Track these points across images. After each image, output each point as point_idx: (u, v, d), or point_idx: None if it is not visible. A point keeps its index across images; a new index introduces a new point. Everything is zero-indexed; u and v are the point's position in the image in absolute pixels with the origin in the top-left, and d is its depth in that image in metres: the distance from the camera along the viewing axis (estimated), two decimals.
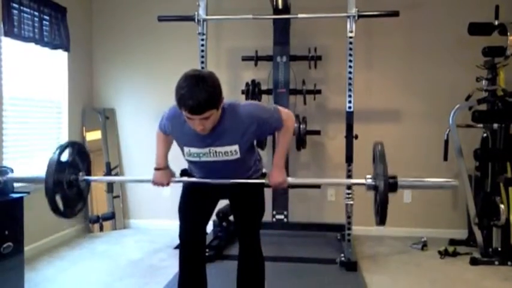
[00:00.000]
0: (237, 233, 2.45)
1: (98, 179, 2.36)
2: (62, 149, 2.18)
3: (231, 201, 2.44)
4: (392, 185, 1.92)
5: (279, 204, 4.33)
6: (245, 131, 2.06)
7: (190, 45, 4.37)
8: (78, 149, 2.30)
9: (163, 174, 2.25)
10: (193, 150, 2.11)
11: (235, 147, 2.08)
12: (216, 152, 2.09)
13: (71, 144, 2.23)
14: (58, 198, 2.19)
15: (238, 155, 2.10)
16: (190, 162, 2.24)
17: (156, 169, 2.26)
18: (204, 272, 2.39)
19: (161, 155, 2.26)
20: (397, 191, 1.99)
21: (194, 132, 2.02)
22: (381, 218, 1.92)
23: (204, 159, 2.13)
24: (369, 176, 2.05)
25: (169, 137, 2.27)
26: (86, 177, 2.32)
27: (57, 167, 2.11)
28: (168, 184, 2.26)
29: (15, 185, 3.09)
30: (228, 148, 2.08)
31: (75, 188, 2.27)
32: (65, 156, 2.25)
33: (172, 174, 2.29)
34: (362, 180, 2.08)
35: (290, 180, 2.20)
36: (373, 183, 2.01)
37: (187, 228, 2.34)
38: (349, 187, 3.88)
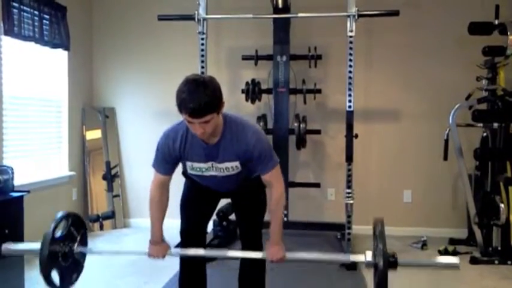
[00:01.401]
0: (239, 232, 2.45)
1: (94, 252, 2.34)
2: (57, 222, 2.17)
3: (233, 200, 2.45)
4: (392, 263, 1.94)
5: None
6: (245, 152, 2.06)
7: (190, 44, 4.37)
8: (73, 220, 2.28)
9: (159, 248, 2.23)
10: (196, 165, 2.13)
11: (236, 163, 2.10)
12: (218, 167, 2.11)
13: (65, 217, 2.22)
14: (54, 272, 2.19)
15: (239, 169, 2.12)
16: (193, 175, 2.25)
17: (152, 243, 2.24)
18: (204, 271, 2.40)
19: (156, 225, 2.23)
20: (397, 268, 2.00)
21: (196, 147, 2.05)
22: None
23: (206, 173, 2.15)
24: (369, 253, 2.07)
25: (163, 200, 2.22)
26: (81, 249, 2.30)
27: (51, 242, 2.11)
28: (163, 257, 2.25)
29: (15, 183, 3.10)
30: (229, 164, 2.10)
31: (71, 259, 2.26)
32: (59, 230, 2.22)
33: (168, 247, 2.27)
34: (361, 258, 2.10)
35: (288, 255, 2.19)
36: (373, 261, 2.03)
37: (188, 226, 2.35)
38: (349, 186, 3.88)
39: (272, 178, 2.13)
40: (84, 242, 2.34)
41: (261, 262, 2.40)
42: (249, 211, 2.37)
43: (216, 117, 1.92)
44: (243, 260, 2.41)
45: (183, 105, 1.85)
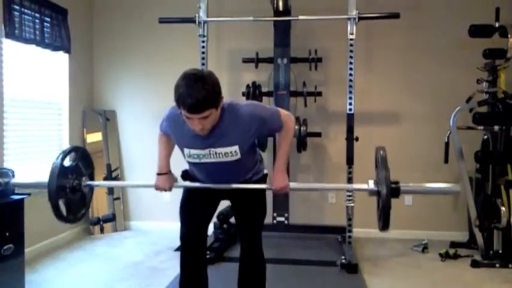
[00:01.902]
0: (238, 235, 2.44)
1: (101, 184, 2.34)
2: (65, 153, 2.17)
3: (233, 203, 2.44)
4: (394, 191, 1.93)
5: (280, 206, 4.33)
6: (245, 131, 2.05)
7: (191, 47, 4.38)
8: (82, 154, 2.29)
9: (166, 179, 2.24)
10: (193, 151, 2.10)
11: (235, 147, 2.07)
12: (216, 153, 2.08)
13: (74, 149, 2.22)
14: (61, 204, 2.18)
15: (238, 156, 2.09)
16: (191, 163, 2.24)
17: (159, 174, 2.25)
18: (205, 274, 2.39)
19: (163, 160, 2.25)
20: (399, 196, 1.99)
21: (193, 133, 2.01)
22: (384, 223, 1.93)
23: (204, 160, 2.12)
24: (371, 181, 2.06)
25: (171, 140, 2.25)
26: (89, 183, 2.31)
27: (60, 172, 2.10)
28: (170, 189, 2.26)
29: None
30: (228, 149, 2.07)
31: (79, 193, 2.26)
32: (68, 161, 2.24)
33: (175, 179, 2.28)
34: (364, 186, 2.09)
35: (292, 185, 2.19)
36: (376, 188, 2.02)
37: (188, 230, 2.33)
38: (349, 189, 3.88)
39: (285, 123, 2.14)
40: (91, 177, 2.35)
41: (260, 266, 2.39)
42: (249, 214, 2.36)
43: (214, 113, 1.91)
44: (242, 264, 2.40)
45: (181, 100, 1.84)
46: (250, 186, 2.24)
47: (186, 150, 2.13)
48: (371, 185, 2.05)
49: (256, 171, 2.32)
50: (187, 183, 2.31)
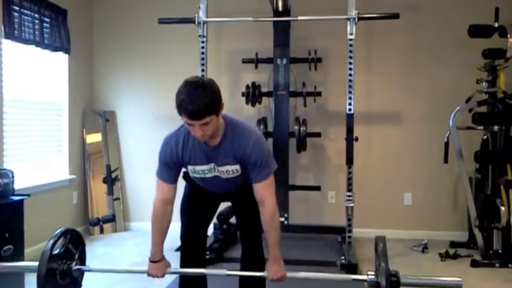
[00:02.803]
0: (240, 235, 2.45)
1: (92, 270, 2.32)
2: (55, 239, 2.15)
3: (233, 204, 2.44)
4: (394, 283, 1.94)
5: (279, 207, 4.27)
6: (243, 156, 2.05)
7: (191, 47, 4.37)
8: (71, 237, 2.27)
9: (159, 267, 2.21)
10: (198, 167, 2.12)
11: (236, 166, 2.09)
12: (219, 170, 2.11)
13: (64, 233, 2.21)
14: None
15: (239, 173, 2.12)
16: (195, 178, 2.25)
17: (152, 261, 2.22)
18: (204, 276, 2.39)
19: (157, 246, 2.21)
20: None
21: (197, 150, 2.05)
22: None
23: (208, 175, 2.14)
24: (371, 273, 2.07)
25: (167, 216, 2.18)
26: (80, 267, 2.28)
27: (49, 259, 2.09)
28: (163, 276, 2.23)
29: (16, 187, 3.10)
30: (229, 167, 2.10)
31: (69, 277, 2.24)
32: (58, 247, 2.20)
33: (168, 265, 2.25)
34: (364, 277, 2.10)
35: (289, 274, 2.17)
36: (375, 279, 2.03)
37: (188, 230, 2.34)
38: (349, 189, 3.88)
39: (264, 189, 2.07)
40: (82, 259, 2.32)
41: (261, 266, 2.39)
42: (250, 215, 2.36)
43: (215, 119, 1.92)
44: (243, 264, 2.40)
45: (182, 107, 1.85)
46: (246, 274, 2.27)
47: (191, 167, 2.14)
48: (370, 275, 2.06)
49: None
50: (180, 270, 2.30)
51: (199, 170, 2.13)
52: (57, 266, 2.14)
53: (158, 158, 2.13)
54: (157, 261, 2.20)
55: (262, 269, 2.40)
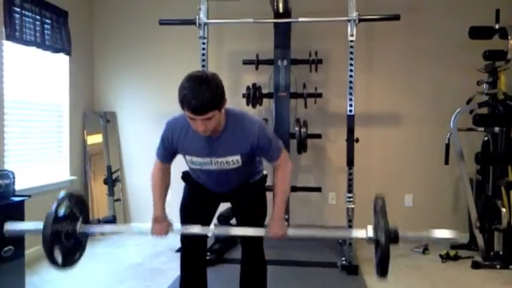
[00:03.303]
0: (240, 236, 2.45)
1: (96, 230, 2.31)
2: (59, 202, 2.17)
3: (233, 205, 2.44)
4: (393, 238, 1.96)
5: None
6: (248, 144, 2.07)
7: (192, 48, 4.38)
8: (76, 200, 2.28)
9: (162, 226, 2.22)
10: (196, 159, 2.13)
11: (237, 157, 2.09)
12: (218, 161, 2.11)
13: (68, 196, 2.22)
14: (56, 250, 2.18)
15: (239, 164, 2.12)
16: (192, 169, 2.25)
17: (155, 221, 2.23)
18: (205, 275, 2.40)
19: (158, 207, 2.23)
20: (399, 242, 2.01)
21: (196, 141, 2.05)
22: (382, 270, 1.93)
23: (206, 167, 2.14)
24: (370, 228, 2.08)
25: (165, 180, 2.23)
26: (84, 229, 2.29)
27: (54, 221, 2.10)
28: (166, 235, 2.24)
29: (16, 188, 3.10)
30: (229, 158, 2.10)
31: (73, 239, 2.26)
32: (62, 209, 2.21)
33: (170, 225, 2.26)
34: (363, 234, 2.10)
35: (290, 232, 2.17)
36: (374, 236, 2.03)
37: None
38: (350, 190, 3.88)
39: (281, 162, 2.16)
40: (86, 222, 2.32)
41: (262, 267, 2.40)
42: (249, 216, 2.36)
43: (218, 114, 1.93)
44: (244, 265, 2.41)
45: (185, 101, 1.85)
46: (247, 231, 2.25)
47: (188, 157, 2.15)
48: (370, 232, 2.07)
49: (255, 172, 2.33)
50: (182, 230, 2.29)
51: (196, 162, 2.13)
52: (61, 227, 2.15)
53: (160, 138, 2.17)
54: (160, 221, 2.22)
55: (263, 271, 2.40)
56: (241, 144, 2.07)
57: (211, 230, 2.21)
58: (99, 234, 4.74)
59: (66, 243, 2.19)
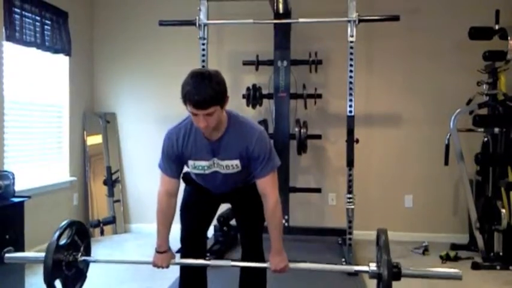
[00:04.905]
0: (240, 237, 2.46)
1: (98, 261, 2.33)
2: (61, 230, 2.17)
3: (233, 206, 2.44)
4: (395, 274, 1.96)
5: None
6: (246, 150, 2.06)
7: (191, 49, 4.38)
8: (77, 229, 2.28)
9: (164, 258, 2.23)
10: (198, 163, 2.12)
11: (237, 161, 2.10)
12: (219, 164, 2.11)
13: (69, 225, 2.22)
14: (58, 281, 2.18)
15: (239, 169, 2.12)
16: (194, 174, 2.25)
17: (157, 252, 2.24)
18: (204, 276, 2.40)
19: (163, 236, 2.22)
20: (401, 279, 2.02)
21: (199, 145, 2.06)
22: None
23: (208, 171, 2.14)
24: (373, 264, 2.08)
25: (171, 208, 2.21)
26: (85, 258, 2.30)
27: (56, 249, 2.11)
28: (167, 267, 2.25)
29: (16, 189, 3.10)
30: (230, 162, 2.10)
31: (74, 268, 2.26)
32: (64, 238, 2.24)
33: (173, 257, 2.27)
34: (365, 268, 2.11)
35: (291, 265, 2.20)
36: (377, 271, 2.04)
37: (188, 233, 2.34)
38: (350, 191, 3.88)
39: (267, 184, 2.10)
40: (87, 251, 2.34)
41: (261, 268, 2.40)
42: (250, 216, 2.37)
43: (219, 111, 1.94)
44: (244, 267, 2.41)
45: (187, 96, 1.87)
46: (249, 265, 2.28)
47: (191, 162, 2.14)
48: (372, 267, 2.07)
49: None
50: (183, 261, 2.30)
51: (199, 166, 2.13)
52: (63, 257, 2.16)
53: (161, 151, 2.15)
54: (163, 252, 2.22)
55: (263, 271, 2.41)
56: (240, 148, 2.07)
57: (212, 263, 2.25)
58: (99, 235, 4.77)
59: (67, 272, 2.20)
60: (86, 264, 2.33)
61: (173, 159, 2.13)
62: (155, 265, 2.23)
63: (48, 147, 4.39)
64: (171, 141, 2.10)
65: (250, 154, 2.06)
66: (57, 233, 2.14)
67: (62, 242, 2.17)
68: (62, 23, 4.35)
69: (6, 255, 2.37)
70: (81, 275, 2.33)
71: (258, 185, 2.12)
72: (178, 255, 2.33)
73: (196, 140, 2.07)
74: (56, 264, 2.12)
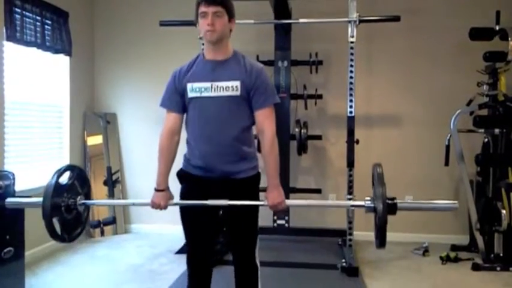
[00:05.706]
0: (229, 246, 2.39)
1: (96, 203, 2.33)
2: (60, 172, 2.16)
3: (227, 224, 2.30)
4: (391, 207, 1.94)
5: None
6: (248, 73, 2.15)
7: (192, 49, 4.35)
8: (78, 173, 2.28)
9: (162, 196, 2.22)
10: (196, 84, 2.17)
11: (237, 83, 2.13)
12: (218, 86, 2.15)
13: (70, 168, 2.22)
14: (56, 222, 2.17)
15: (238, 93, 2.13)
16: (190, 110, 2.23)
17: (156, 190, 2.24)
18: (209, 276, 2.37)
19: (162, 176, 2.22)
20: (397, 213, 2.00)
21: (203, 68, 2.19)
22: (381, 240, 1.92)
23: (204, 94, 2.16)
24: (368, 198, 2.06)
25: (172, 149, 2.23)
26: (84, 201, 2.30)
27: (55, 191, 2.10)
28: (165, 207, 2.23)
29: (16, 189, 3.09)
30: (229, 83, 2.14)
31: (74, 212, 2.25)
32: (64, 180, 2.23)
33: (171, 197, 2.26)
34: (361, 203, 2.10)
35: (288, 202, 2.17)
36: (372, 205, 2.02)
37: (193, 250, 2.30)
38: (350, 192, 3.88)
39: (266, 117, 2.16)
40: (88, 196, 2.35)
41: (254, 273, 2.35)
42: (242, 228, 2.28)
43: (225, 20, 2.16)
44: (237, 273, 2.36)
45: None
46: (245, 203, 2.18)
47: (189, 86, 2.19)
48: (367, 201, 2.06)
49: (249, 156, 2.25)
50: (182, 202, 2.26)
51: (197, 88, 2.17)
52: (63, 198, 2.17)
53: (166, 86, 2.34)
54: (162, 191, 2.23)
55: (254, 276, 2.35)
56: (244, 73, 2.15)
57: (210, 202, 2.18)
58: (99, 235, 4.76)
59: (66, 215, 2.19)
60: (86, 208, 2.33)
61: (175, 89, 2.26)
62: (154, 205, 2.23)
63: (49, 148, 4.39)
64: (175, 73, 2.27)
65: (253, 81, 2.13)
66: (56, 174, 2.15)
67: (63, 182, 2.17)
68: (63, 23, 4.35)
69: (7, 200, 2.39)
70: (80, 221, 2.32)
71: (256, 119, 2.18)
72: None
73: (199, 65, 2.21)
74: (56, 203, 2.11)
